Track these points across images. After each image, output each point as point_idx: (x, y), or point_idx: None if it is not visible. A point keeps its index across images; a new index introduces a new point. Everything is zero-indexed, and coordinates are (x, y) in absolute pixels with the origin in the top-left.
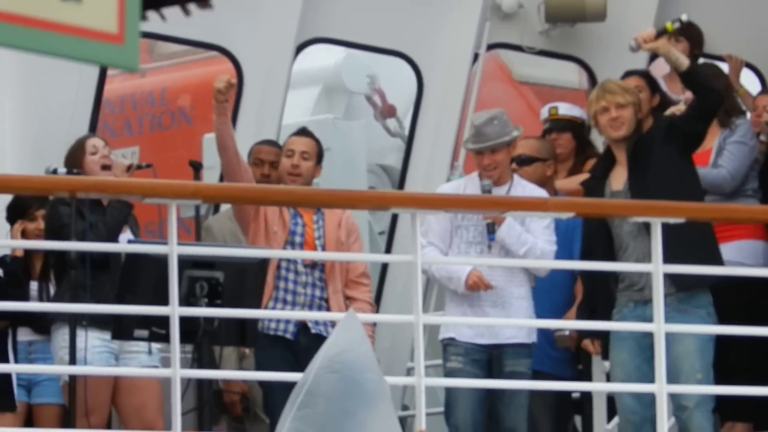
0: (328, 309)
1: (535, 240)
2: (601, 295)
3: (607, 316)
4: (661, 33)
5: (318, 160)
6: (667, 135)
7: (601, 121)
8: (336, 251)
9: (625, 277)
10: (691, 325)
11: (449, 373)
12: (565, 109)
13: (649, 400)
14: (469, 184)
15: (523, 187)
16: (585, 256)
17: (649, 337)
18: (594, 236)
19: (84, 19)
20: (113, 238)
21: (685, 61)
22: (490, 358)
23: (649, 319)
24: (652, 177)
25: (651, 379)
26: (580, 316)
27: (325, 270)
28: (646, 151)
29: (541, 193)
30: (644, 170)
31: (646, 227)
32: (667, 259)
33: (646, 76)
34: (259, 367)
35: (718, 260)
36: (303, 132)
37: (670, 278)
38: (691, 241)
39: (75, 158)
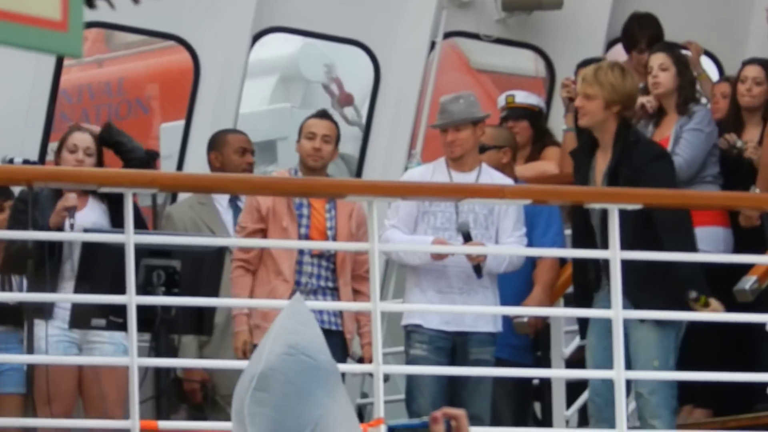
0: (338, 300)
1: (508, 250)
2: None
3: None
4: None
5: (336, 143)
6: None
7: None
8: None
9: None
10: (648, 311)
11: (412, 360)
12: (522, 97)
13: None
14: (437, 169)
15: (490, 175)
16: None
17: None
18: (575, 223)
19: (27, 6)
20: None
21: None
22: (454, 346)
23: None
24: None
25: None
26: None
27: (334, 261)
28: None
29: (507, 181)
30: None
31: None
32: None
33: None
34: None
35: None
36: (323, 115)
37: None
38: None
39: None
